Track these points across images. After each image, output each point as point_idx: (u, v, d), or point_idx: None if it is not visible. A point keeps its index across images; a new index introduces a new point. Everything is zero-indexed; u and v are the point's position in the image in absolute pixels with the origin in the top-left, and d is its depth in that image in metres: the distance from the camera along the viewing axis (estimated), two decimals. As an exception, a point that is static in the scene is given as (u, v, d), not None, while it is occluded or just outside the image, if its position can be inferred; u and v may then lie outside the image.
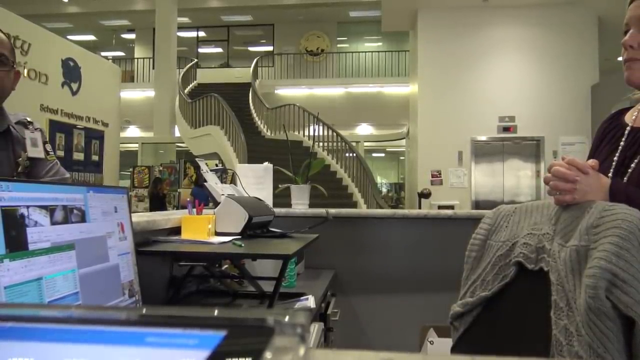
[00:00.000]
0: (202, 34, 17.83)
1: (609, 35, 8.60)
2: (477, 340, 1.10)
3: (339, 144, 10.49)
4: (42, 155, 1.60)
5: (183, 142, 12.54)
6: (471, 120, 9.07)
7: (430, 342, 2.06)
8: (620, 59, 1.22)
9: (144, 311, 0.31)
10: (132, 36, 17.92)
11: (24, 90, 4.57)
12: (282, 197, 2.93)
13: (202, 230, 1.66)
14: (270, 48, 17.21)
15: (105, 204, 1.01)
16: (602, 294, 0.84)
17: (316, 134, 10.31)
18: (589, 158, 1.19)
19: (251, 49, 18.01)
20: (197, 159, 2.21)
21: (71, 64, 6.07)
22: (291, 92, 15.33)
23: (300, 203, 2.82)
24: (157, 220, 1.60)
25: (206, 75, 15.74)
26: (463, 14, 9.13)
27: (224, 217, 1.79)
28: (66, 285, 0.85)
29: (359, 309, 2.66)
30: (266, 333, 0.28)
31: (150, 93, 14.04)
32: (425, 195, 8.76)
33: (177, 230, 1.70)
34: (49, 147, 1.64)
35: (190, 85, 14.52)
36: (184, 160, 10.77)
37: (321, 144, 10.50)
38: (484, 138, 9.18)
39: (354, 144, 10.82)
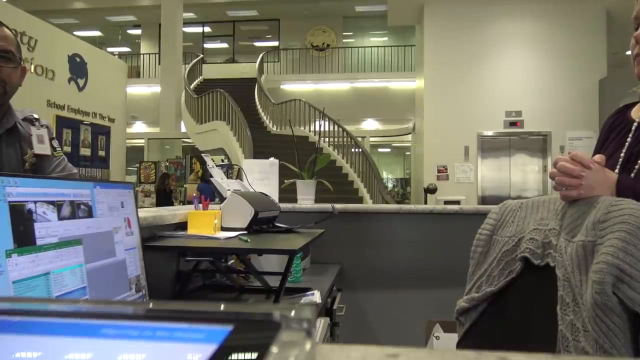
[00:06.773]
0: (207, 29, 17.81)
1: (617, 29, 8.54)
2: (483, 335, 1.10)
3: (345, 139, 10.46)
4: (48, 151, 1.60)
5: (189, 138, 12.55)
6: (478, 115, 9.03)
7: (436, 337, 2.07)
8: (628, 52, 1.21)
9: (150, 306, 0.32)
10: (138, 32, 17.94)
11: (30, 86, 4.59)
12: (288, 193, 2.93)
13: (208, 225, 1.66)
14: (275, 43, 17.18)
15: (112, 200, 1.02)
16: (609, 289, 0.84)
17: (322, 129, 10.28)
18: (594, 154, 1.18)
19: (257, 44, 17.99)
20: (203, 155, 2.22)
21: (77, 59, 6.09)
22: (297, 87, 15.30)
23: (306, 198, 2.82)
24: (163, 216, 1.61)
25: (212, 71, 15.72)
26: (469, 8, 9.08)
27: (230, 213, 1.79)
28: (74, 280, 0.86)
29: (365, 304, 2.66)
30: (272, 328, 0.28)
31: (156, 89, 14.06)
32: (431, 190, 8.74)
33: (183, 226, 1.71)
34: (55, 143, 1.65)
35: (196, 81, 14.51)
36: (190, 155, 10.79)
37: (327, 139, 10.47)
38: (490, 133, 9.14)
39: (359, 139, 10.78)
